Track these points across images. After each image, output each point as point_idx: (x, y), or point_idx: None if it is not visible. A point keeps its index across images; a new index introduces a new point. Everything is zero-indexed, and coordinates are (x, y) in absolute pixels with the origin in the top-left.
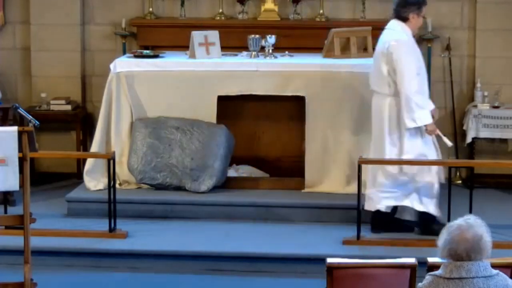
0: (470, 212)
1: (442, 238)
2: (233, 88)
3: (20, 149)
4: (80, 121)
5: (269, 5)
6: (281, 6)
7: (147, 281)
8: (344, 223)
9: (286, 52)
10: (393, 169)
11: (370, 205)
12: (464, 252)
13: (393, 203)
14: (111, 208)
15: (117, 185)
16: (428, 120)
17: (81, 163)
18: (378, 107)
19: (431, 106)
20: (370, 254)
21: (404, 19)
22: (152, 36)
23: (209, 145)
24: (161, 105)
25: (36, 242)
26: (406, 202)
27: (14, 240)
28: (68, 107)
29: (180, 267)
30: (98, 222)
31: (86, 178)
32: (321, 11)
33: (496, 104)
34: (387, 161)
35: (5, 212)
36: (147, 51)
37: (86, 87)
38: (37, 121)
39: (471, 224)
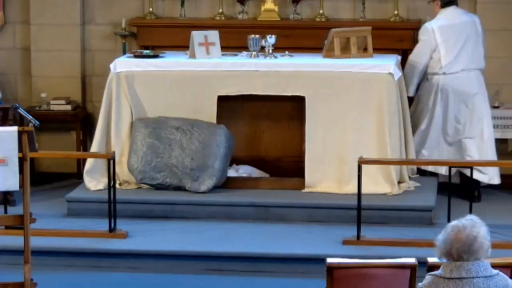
0: (470, 212)
1: (439, 238)
2: (233, 88)
3: (20, 149)
4: (80, 121)
5: (269, 5)
6: (281, 6)
7: (147, 281)
8: (344, 223)
9: (286, 52)
10: None
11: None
12: (456, 253)
13: None
14: (111, 208)
15: (117, 185)
16: None
17: (81, 163)
18: (477, 82)
19: None
20: (370, 254)
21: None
22: (152, 36)
23: (209, 145)
24: (161, 105)
25: (36, 242)
26: None
27: (14, 240)
28: (68, 107)
29: (180, 267)
30: (98, 222)
31: (86, 178)
32: (321, 11)
33: (496, 104)
34: (388, 161)
35: (5, 212)
36: (147, 51)
37: (86, 87)
38: (37, 121)
39: (466, 225)
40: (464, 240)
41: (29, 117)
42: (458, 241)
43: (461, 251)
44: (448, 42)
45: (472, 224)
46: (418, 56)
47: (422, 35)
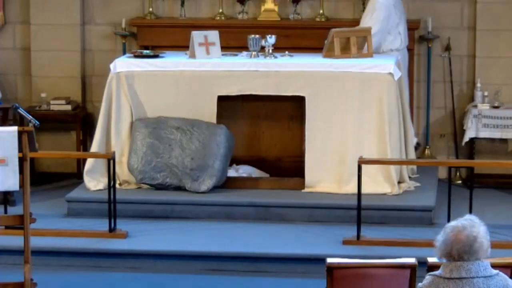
0: (470, 212)
1: (439, 239)
2: (233, 88)
3: (20, 149)
4: (80, 121)
5: (269, 5)
6: (281, 6)
7: (147, 281)
8: (344, 223)
9: (286, 52)
10: None
11: None
12: (456, 253)
13: None
14: (111, 208)
15: (117, 185)
16: None
17: (81, 163)
18: (407, 60)
19: None
20: (370, 254)
21: None
22: (152, 36)
23: (209, 145)
24: (161, 105)
25: (36, 242)
26: None
27: (14, 240)
28: (68, 107)
29: (180, 267)
30: (98, 222)
31: (86, 178)
32: (321, 11)
33: (496, 104)
34: (387, 161)
35: (5, 212)
36: (147, 51)
37: (86, 87)
38: (37, 121)
39: (466, 225)
40: (464, 241)
41: (29, 117)
42: (458, 241)
43: (461, 252)
44: (401, 18)
45: (472, 224)
46: (381, 33)
47: (383, 11)
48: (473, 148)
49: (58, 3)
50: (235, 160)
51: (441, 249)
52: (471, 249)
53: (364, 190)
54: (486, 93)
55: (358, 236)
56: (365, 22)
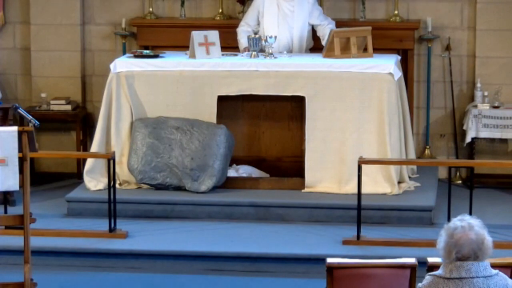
0: (470, 212)
1: (444, 241)
2: (233, 88)
3: (20, 149)
4: (80, 121)
5: None
6: None
7: (147, 281)
8: (344, 223)
9: (285, 52)
10: None
11: None
12: (472, 253)
13: None
14: (111, 208)
15: (117, 185)
16: None
17: (81, 163)
18: None
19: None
20: (370, 254)
21: None
22: (152, 36)
23: (209, 145)
24: (161, 105)
25: (36, 242)
26: None
27: (14, 240)
28: (68, 107)
29: (180, 267)
30: (98, 222)
31: (86, 178)
32: None
33: (496, 104)
34: (387, 161)
35: (5, 212)
36: (147, 51)
37: (86, 87)
38: (37, 121)
39: (472, 224)
40: (475, 240)
41: (29, 117)
42: (470, 242)
43: (476, 251)
44: None
45: (476, 223)
46: None
47: None
48: (473, 148)
49: (58, 3)
50: (235, 160)
51: (452, 251)
52: (483, 247)
53: (364, 190)
54: (486, 93)
55: (358, 236)
56: (320, 21)
